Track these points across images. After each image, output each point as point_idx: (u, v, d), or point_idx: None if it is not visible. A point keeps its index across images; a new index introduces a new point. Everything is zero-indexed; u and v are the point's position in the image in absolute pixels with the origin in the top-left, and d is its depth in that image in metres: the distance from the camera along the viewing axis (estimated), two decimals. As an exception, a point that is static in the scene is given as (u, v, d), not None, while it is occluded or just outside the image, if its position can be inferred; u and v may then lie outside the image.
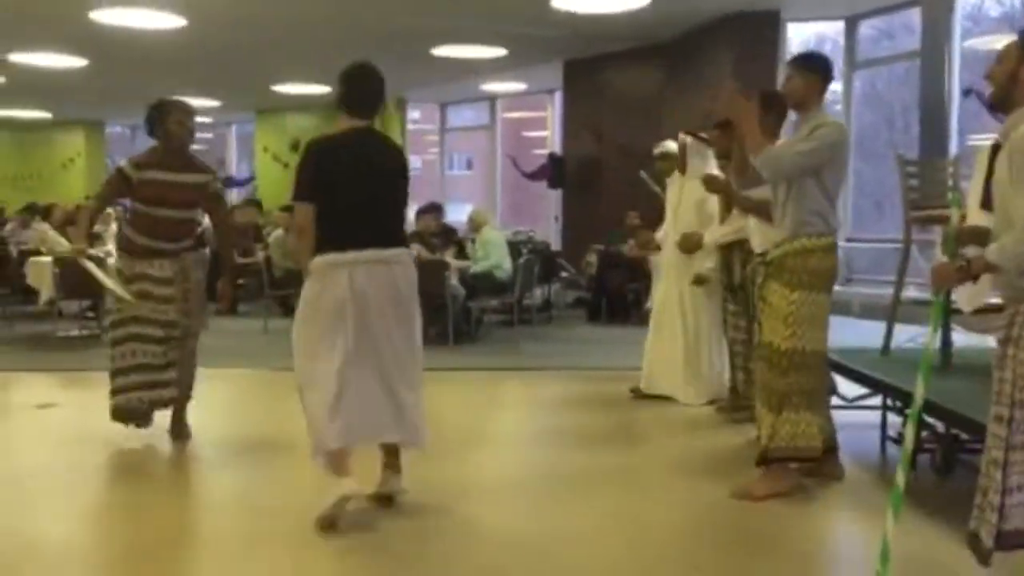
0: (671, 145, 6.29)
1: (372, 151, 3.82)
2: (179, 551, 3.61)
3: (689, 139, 5.85)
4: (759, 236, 4.73)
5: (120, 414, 4.90)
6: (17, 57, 12.59)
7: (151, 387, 4.84)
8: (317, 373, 3.74)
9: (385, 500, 3.91)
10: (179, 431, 5.09)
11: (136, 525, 3.84)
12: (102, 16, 10.15)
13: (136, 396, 4.83)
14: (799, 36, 11.98)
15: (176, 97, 5.00)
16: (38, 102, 17.97)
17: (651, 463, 4.78)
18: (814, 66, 4.04)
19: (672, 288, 6.03)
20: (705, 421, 5.57)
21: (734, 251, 5.38)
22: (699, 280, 5.81)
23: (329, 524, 3.62)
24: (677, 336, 5.96)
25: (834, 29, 12.06)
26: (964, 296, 4.36)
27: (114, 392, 4.87)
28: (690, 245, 5.78)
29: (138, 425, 4.96)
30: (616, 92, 12.97)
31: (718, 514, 3.92)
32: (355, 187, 3.70)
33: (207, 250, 5.25)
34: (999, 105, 2.85)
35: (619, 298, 10.50)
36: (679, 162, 5.98)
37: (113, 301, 4.94)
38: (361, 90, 3.83)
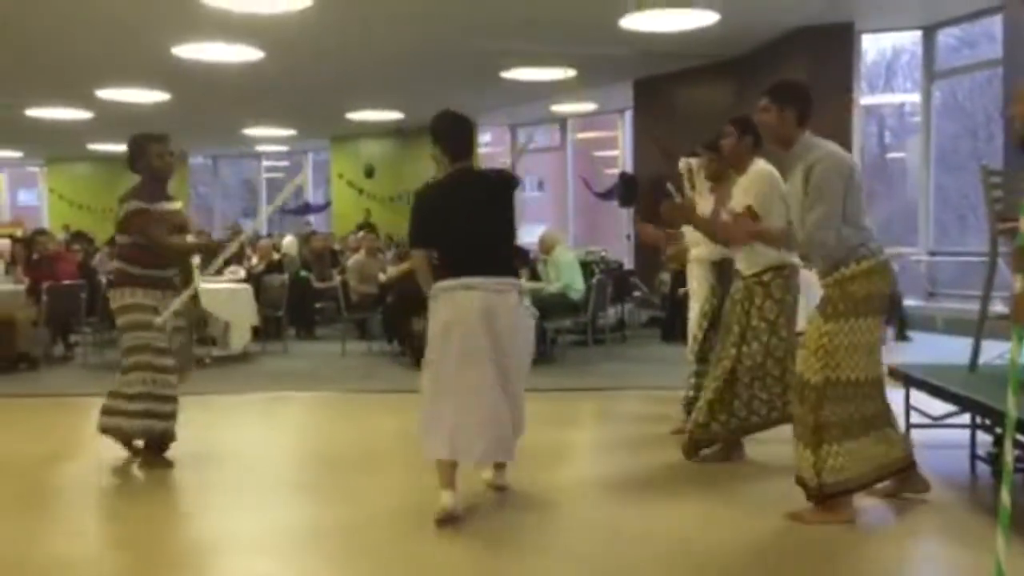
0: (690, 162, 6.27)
1: (475, 189, 4.12)
2: (302, 550, 3.69)
3: (693, 160, 5.75)
4: (749, 257, 4.71)
5: (118, 436, 5.06)
6: (104, 93, 13.10)
7: (153, 416, 4.95)
8: (432, 388, 4.08)
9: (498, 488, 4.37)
10: (160, 463, 5.09)
11: (247, 537, 3.93)
12: (183, 51, 10.51)
13: (140, 423, 4.96)
14: (875, 47, 11.78)
15: (158, 132, 5.24)
16: (124, 136, 18.62)
17: (744, 481, 4.71)
18: (786, 97, 3.90)
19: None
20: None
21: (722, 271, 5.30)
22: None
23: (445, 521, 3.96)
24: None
25: (911, 39, 11.82)
26: None
27: (131, 415, 4.95)
28: (678, 260, 5.75)
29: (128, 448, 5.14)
30: (687, 110, 12.90)
31: (794, 536, 3.83)
32: (463, 226, 4.03)
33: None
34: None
35: (694, 317, 10.38)
36: (688, 181, 5.89)
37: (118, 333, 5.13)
38: (457, 136, 4.18)
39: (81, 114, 14.83)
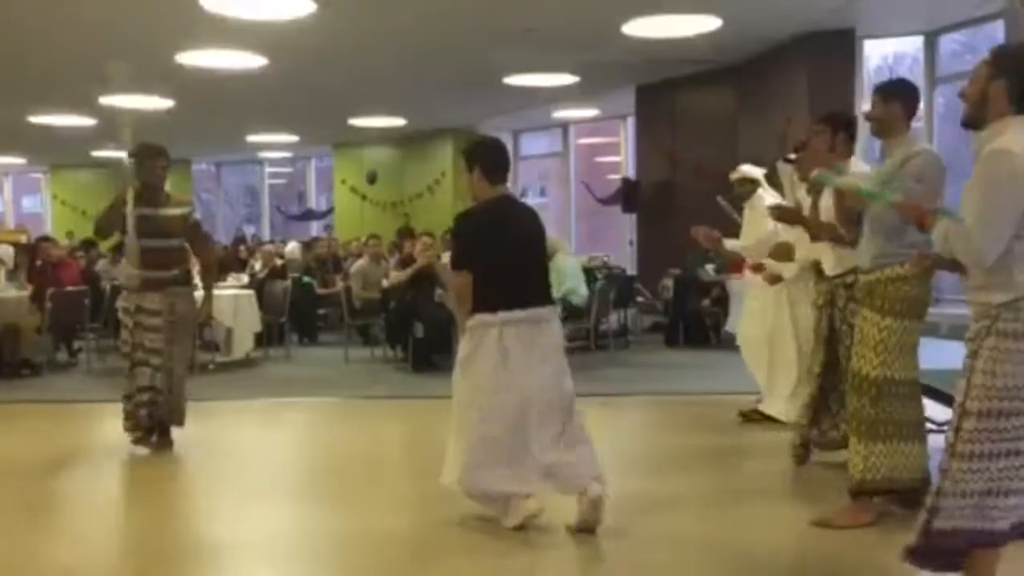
0: (748, 169, 6.24)
1: (515, 217, 4.19)
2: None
3: (780, 163, 5.71)
4: (832, 258, 4.63)
5: (130, 424, 5.50)
6: (107, 100, 13.13)
7: (153, 404, 5.43)
8: (470, 420, 4.02)
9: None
10: (163, 441, 5.61)
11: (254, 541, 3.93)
12: (187, 58, 10.54)
13: (144, 412, 5.44)
14: (877, 53, 11.77)
15: (153, 142, 5.65)
16: (127, 142, 18.69)
17: (745, 487, 4.71)
18: (893, 92, 3.95)
19: (783, 310, 5.90)
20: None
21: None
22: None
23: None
24: (792, 359, 5.84)
25: (913, 45, 11.82)
26: None
27: (133, 407, 5.46)
28: (782, 253, 5.64)
29: (138, 441, 5.50)
30: (689, 115, 12.91)
31: (812, 542, 3.83)
32: (505, 252, 4.06)
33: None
34: (972, 123, 2.99)
35: (697, 322, 10.39)
36: (787, 189, 5.84)
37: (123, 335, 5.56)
38: (496, 162, 4.19)
39: (84, 121, 14.85)
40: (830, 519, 3.93)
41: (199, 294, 5.79)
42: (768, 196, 6.10)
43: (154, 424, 5.51)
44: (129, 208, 5.40)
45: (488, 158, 4.17)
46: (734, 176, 6.28)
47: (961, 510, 2.85)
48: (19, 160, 22.55)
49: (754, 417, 6.08)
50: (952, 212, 2.97)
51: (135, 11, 8.82)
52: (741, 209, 6.30)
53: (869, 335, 3.85)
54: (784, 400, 5.84)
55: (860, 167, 4.58)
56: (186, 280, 5.63)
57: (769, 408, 5.99)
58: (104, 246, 11.86)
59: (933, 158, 3.88)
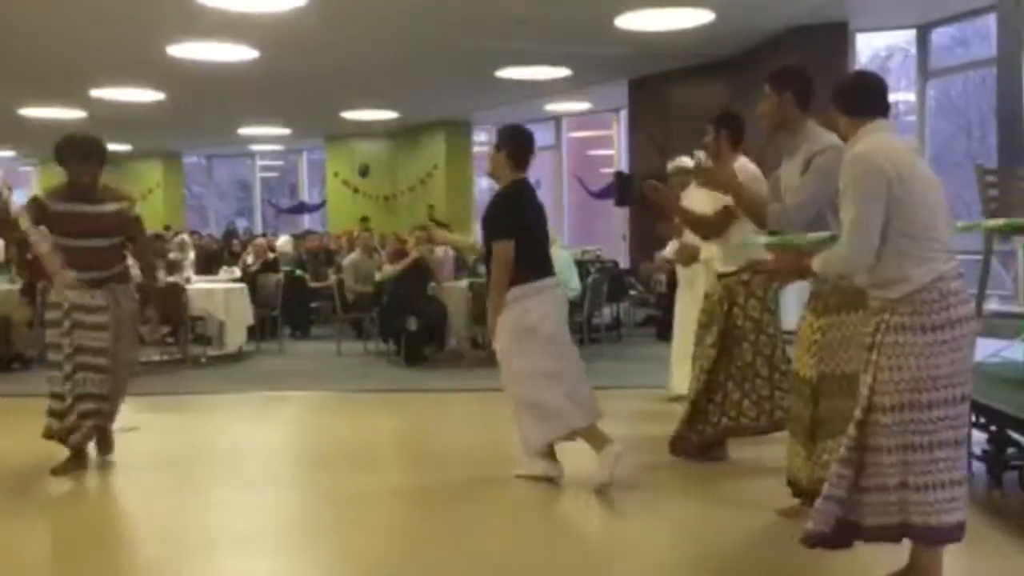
0: (685, 160, 6.31)
1: (537, 199, 4.75)
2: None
3: (702, 154, 5.72)
4: (724, 255, 4.71)
5: (58, 435, 4.86)
6: (98, 92, 13.08)
7: (92, 415, 4.85)
8: (544, 378, 4.48)
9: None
10: (105, 447, 5.17)
11: (229, 536, 3.93)
12: (178, 50, 10.49)
13: (85, 427, 4.84)
14: (869, 47, 11.79)
15: (81, 134, 5.01)
16: (118, 135, 18.60)
17: (737, 479, 4.72)
18: (782, 82, 3.85)
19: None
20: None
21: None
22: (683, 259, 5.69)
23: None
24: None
25: (905, 38, 11.84)
26: None
27: (60, 414, 4.82)
28: (687, 257, 5.64)
29: (61, 469, 4.87)
30: (681, 109, 12.90)
31: (786, 534, 3.84)
32: (540, 227, 4.65)
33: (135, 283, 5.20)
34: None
35: (689, 316, 10.39)
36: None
37: (58, 335, 4.85)
38: (528, 151, 4.66)
39: (75, 113, 14.78)
40: (787, 512, 3.94)
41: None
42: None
43: (88, 437, 4.94)
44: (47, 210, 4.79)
45: (519, 149, 4.61)
46: (671, 167, 6.35)
47: (892, 505, 2.91)
48: (8, 153, 22.45)
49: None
50: (791, 239, 3.29)
51: (127, 3, 8.78)
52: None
53: (804, 336, 3.77)
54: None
55: (748, 168, 4.62)
56: (125, 277, 5.05)
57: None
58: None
59: (838, 156, 3.37)
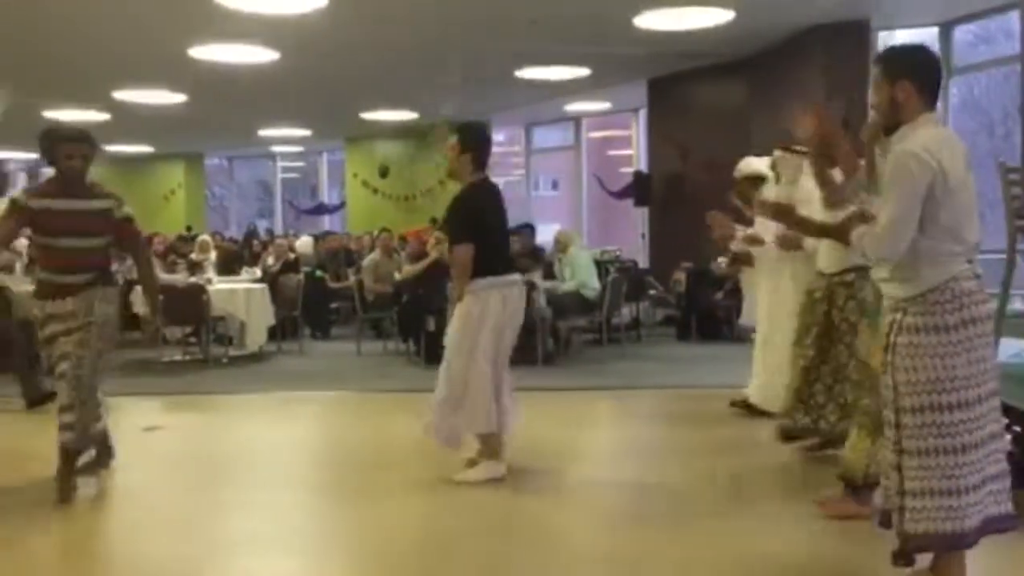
0: (751, 167, 6.20)
1: (499, 196, 4.91)
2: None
3: (780, 152, 5.69)
4: (829, 256, 4.57)
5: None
6: (120, 94, 13.18)
7: (70, 428, 4.45)
8: (476, 373, 4.61)
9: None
10: (61, 488, 4.45)
11: (243, 537, 3.96)
12: (199, 52, 10.56)
13: (68, 437, 4.49)
14: (891, 45, 11.69)
15: (68, 125, 4.68)
16: (141, 137, 18.77)
17: (757, 479, 4.70)
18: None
19: (787, 299, 5.84)
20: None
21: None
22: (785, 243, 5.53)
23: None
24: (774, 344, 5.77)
25: (927, 36, 11.74)
26: None
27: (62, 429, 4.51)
28: (790, 243, 5.54)
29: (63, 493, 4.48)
30: (701, 108, 12.87)
31: (815, 540, 3.82)
32: (499, 227, 4.83)
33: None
34: (887, 132, 3.05)
35: (710, 315, 10.37)
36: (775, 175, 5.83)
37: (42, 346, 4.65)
38: (487, 149, 4.84)
39: (98, 115, 14.91)
40: (826, 502, 3.93)
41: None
42: (774, 188, 6.07)
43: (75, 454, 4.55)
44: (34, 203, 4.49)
45: (482, 150, 4.78)
46: (739, 175, 6.21)
47: (928, 511, 2.88)
48: (33, 155, 22.66)
49: (742, 406, 6.06)
50: None
51: (149, 5, 8.85)
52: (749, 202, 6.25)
53: (882, 333, 3.78)
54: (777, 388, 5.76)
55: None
56: (107, 280, 4.67)
57: (754, 396, 5.93)
58: None
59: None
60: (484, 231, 4.65)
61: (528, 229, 10.05)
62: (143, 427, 6.27)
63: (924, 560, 3.08)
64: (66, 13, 9.00)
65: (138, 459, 5.31)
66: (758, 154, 6.46)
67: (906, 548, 2.97)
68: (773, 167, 5.90)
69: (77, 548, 3.91)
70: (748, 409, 6.00)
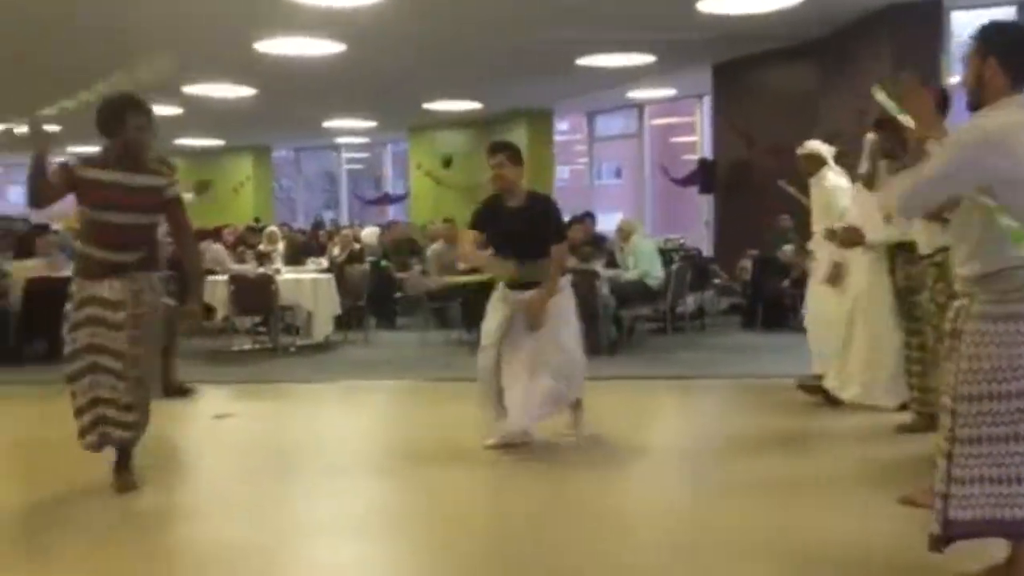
0: (814, 145, 6.16)
1: None
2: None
3: (873, 134, 5.48)
4: (927, 237, 4.50)
5: (78, 434, 4.36)
6: (192, 89, 13.48)
7: (104, 422, 4.30)
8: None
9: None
10: (123, 482, 4.42)
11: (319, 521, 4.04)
12: (267, 46, 10.74)
13: (96, 432, 4.32)
14: (966, 25, 11.34)
15: (131, 93, 4.43)
16: (210, 130, 19.16)
17: (822, 472, 4.63)
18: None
19: (862, 288, 5.75)
20: (884, 428, 5.31)
21: (897, 255, 5.16)
22: (832, 278, 5.63)
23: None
24: (864, 337, 5.66)
25: (1005, 16, 11.35)
26: None
27: (83, 432, 4.34)
28: (851, 240, 5.48)
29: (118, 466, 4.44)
30: (767, 93, 12.65)
31: (893, 534, 3.76)
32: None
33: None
34: (974, 108, 2.95)
35: (776, 303, 10.22)
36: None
37: (67, 329, 4.30)
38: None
39: (170, 110, 15.26)
40: (915, 497, 3.86)
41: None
42: (832, 174, 6.01)
43: (101, 445, 4.37)
44: (88, 172, 4.26)
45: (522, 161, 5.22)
46: (801, 152, 6.20)
47: (976, 498, 2.84)
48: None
49: (814, 391, 5.96)
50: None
51: (218, 2, 9.02)
52: (805, 187, 6.22)
53: None
54: (882, 383, 5.64)
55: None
56: (153, 264, 4.51)
57: (844, 391, 5.81)
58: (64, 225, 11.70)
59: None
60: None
61: (589, 218, 10.03)
62: (214, 415, 6.43)
63: (974, 550, 3.01)
64: (140, 10, 9.22)
65: (209, 446, 5.45)
66: (826, 140, 6.38)
67: (949, 534, 2.91)
68: (839, 158, 5.82)
69: (149, 534, 4.03)
70: (823, 396, 5.92)
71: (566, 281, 5.27)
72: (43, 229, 11.38)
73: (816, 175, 6.05)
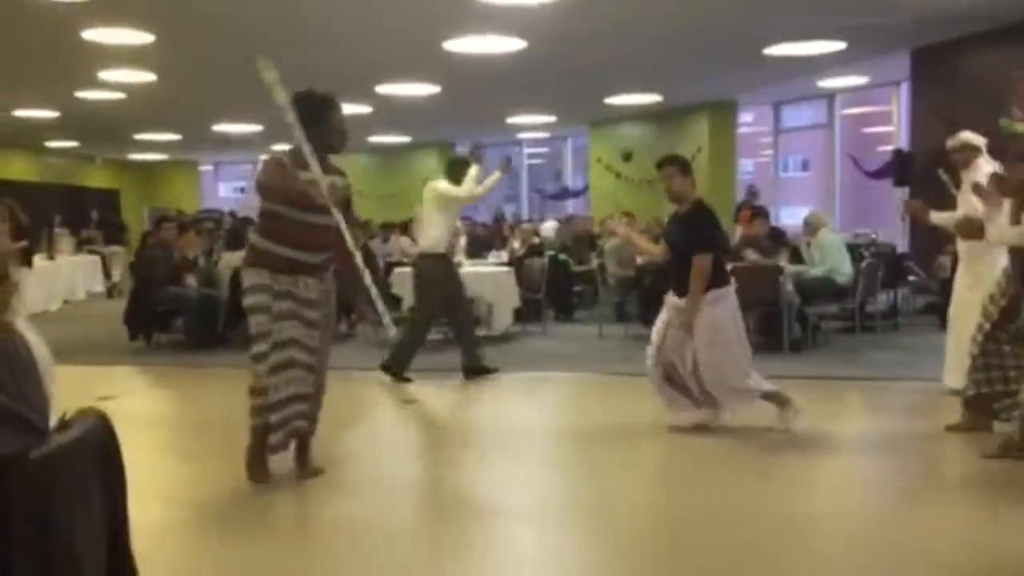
0: (968, 135, 5.89)
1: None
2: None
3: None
4: None
5: (272, 451, 4.38)
6: (382, 88, 14.07)
7: (299, 417, 4.36)
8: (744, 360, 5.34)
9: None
10: (309, 468, 4.57)
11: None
12: (454, 45, 11.06)
13: (290, 427, 4.34)
14: None
15: (329, 93, 4.35)
16: (398, 127, 19.93)
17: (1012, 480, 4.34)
18: None
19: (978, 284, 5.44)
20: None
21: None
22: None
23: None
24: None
25: None
26: None
27: (274, 428, 4.30)
28: (969, 231, 5.15)
29: (257, 473, 4.44)
30: (971, 79, 11.83)
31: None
32: (725, 240, 5.90)
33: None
34: None
35: (977, 304, 9.57)
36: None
37: (267, 321, 4.23)
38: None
39: (362, 108, 15.97)
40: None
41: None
42: (987, 165, 5.65)
43: (287, 441, 4.41)
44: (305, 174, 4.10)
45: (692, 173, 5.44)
46: (951, 143, 5.91)
47: None
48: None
49: None
50: None
51: (409, 6, 9.39)
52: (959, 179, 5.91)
53: None
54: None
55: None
56: (330, 264, 4.45)
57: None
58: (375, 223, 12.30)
59: None
60: (719, 245, 5.40)
61: (760, 216, 9.76)
62: (402, 400, 6.72)
63: None
64: (335, 18, 9.71)
65: (398, 432, 5.69)
66: None
67: None
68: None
69: (338, 515, 4.26)
70: None
71: (722, 293, 5.18)
72: (250, 222, 12.20)
73: (970, 166, 5.77)
